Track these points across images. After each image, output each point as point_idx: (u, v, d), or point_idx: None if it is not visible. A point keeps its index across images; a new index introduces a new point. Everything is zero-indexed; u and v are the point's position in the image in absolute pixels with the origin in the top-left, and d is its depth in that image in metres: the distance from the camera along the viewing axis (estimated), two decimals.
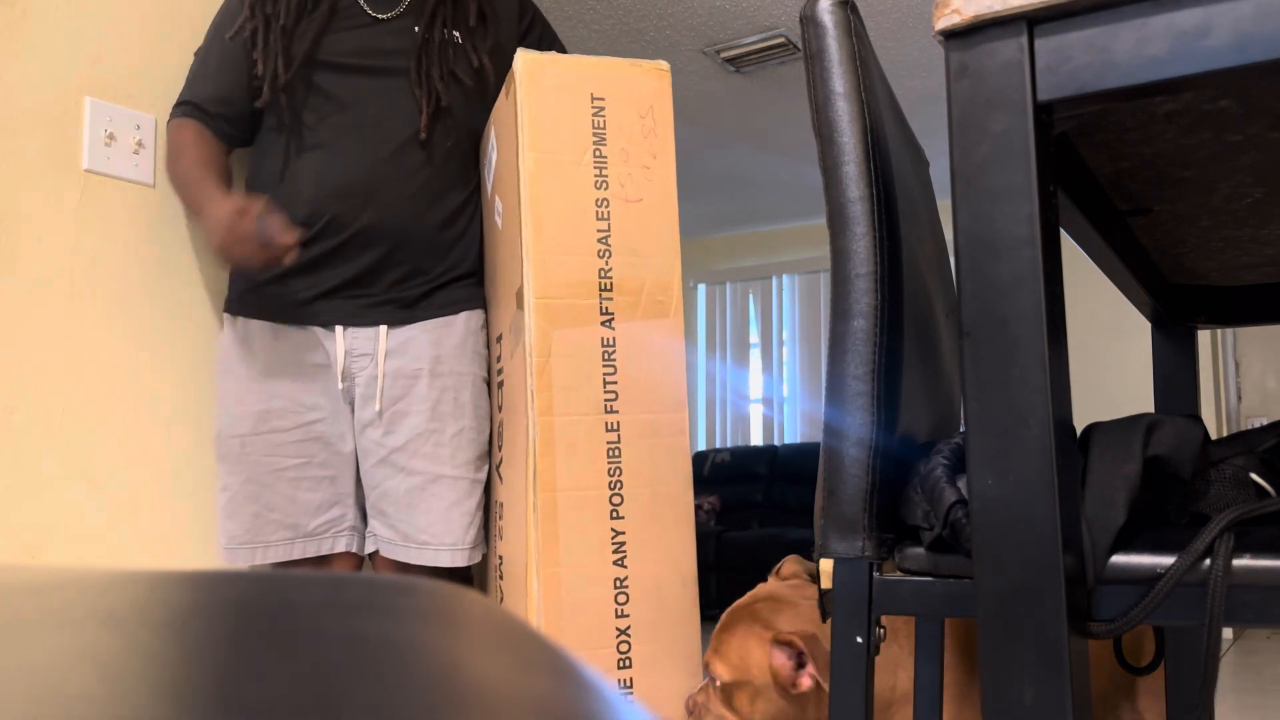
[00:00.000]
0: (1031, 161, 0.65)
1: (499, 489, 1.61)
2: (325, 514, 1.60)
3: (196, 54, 1.65)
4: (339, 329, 1.59)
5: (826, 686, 1.20)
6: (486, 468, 1.64)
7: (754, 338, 6.31)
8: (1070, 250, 3.16)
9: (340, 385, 1.59)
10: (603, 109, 1.49)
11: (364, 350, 1.59)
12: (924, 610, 0.90)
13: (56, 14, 1.55)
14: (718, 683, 1.32)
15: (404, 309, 1.61)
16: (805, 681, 1.24)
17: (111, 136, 1.59)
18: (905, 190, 0.94)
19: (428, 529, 1.57)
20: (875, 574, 0.79)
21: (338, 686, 0.16)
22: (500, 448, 1.62)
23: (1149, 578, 0.68)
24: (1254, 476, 0.77)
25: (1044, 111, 0.66)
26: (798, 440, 6.01)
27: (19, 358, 1.48)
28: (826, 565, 0.80)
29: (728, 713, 1.32)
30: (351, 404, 1.62)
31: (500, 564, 1.59)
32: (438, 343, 1.61)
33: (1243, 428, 4.54)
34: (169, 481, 1.63)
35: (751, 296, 6.32)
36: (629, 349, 1.47)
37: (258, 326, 1.60)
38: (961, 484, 0.75)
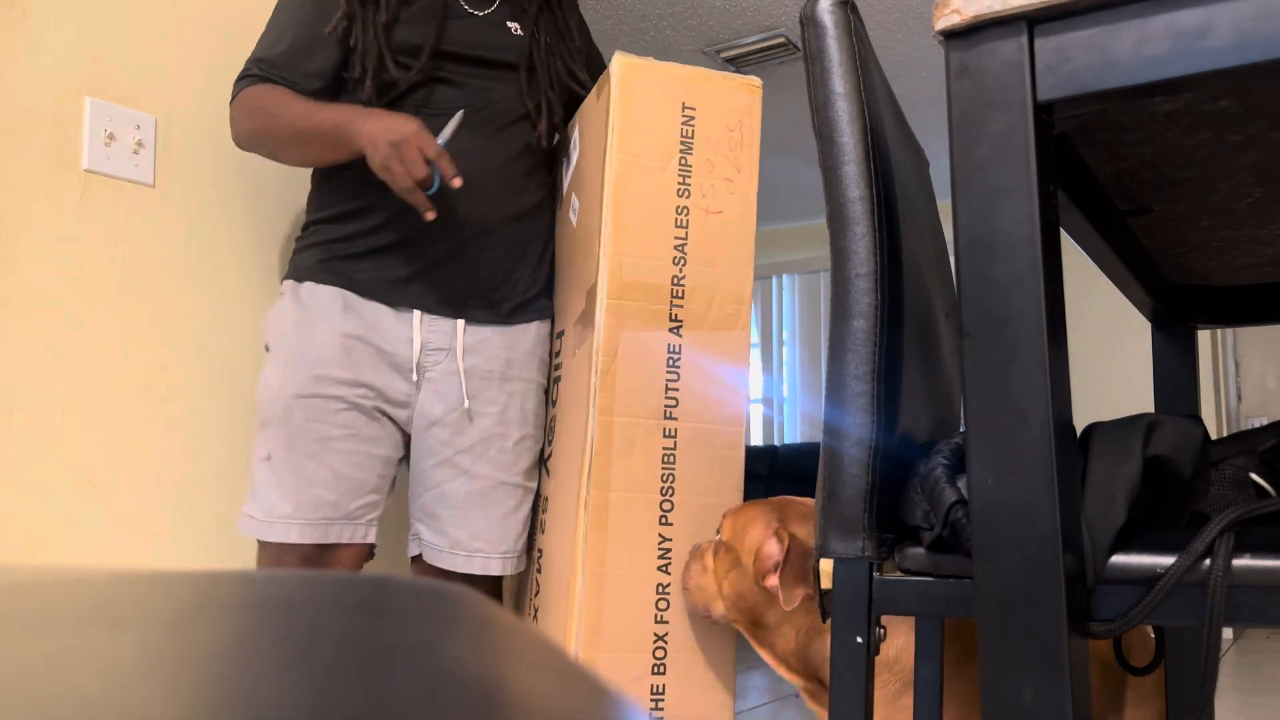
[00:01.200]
0: (1031, 161, 0.65)
1: (546, 483, 1.62)
2: (364, 496, 1.50)
3: (273, 30, 1.56)
4: (417, 315, 1.54)
5: (783, 597, 1.23)
6: (538, 477, 1.63)
7: (754, 338, 6.32)
8: (1070, 250, 3.16)
9: (415, 376, 1.53)
10: (693, 118, 1.50)
11: (439, 345, 1.55)
12: (924, 610, 0.90)
13: (56, 14, 1.55)
14: (717, 536, 1.37)
15: (485, 309, 1.58)
16: (774, 579, 1.26)
17: (111, 136, 1.59)
18: (905, 190, 0.94)
19: (483, 535, 1.54)
20: (875, 574, 0.79)
21: (339, 689, 0.16)
22: (550, 442, 1.63)
23: (1149, 578, 0.68)
24: (1254, 476, 0.77)
25: (1044, 111, 0.66)
26: (798, 440, 6.01)
27: (19, 358, 1.48)
28: (826, 565, 0.80)
29: (710, 564, 1.37)
30: (411, 398, 1.55)
31: (540, 556, 1.61)
32: (511, 346, 1.59)
33: (1243, 428, 4.54)
34: (169, 481, 1.63)
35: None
36: (694, 357, 1.48)
37: (327, 294, 1.52)
38: (961, 484, 0.75)
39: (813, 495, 0.83)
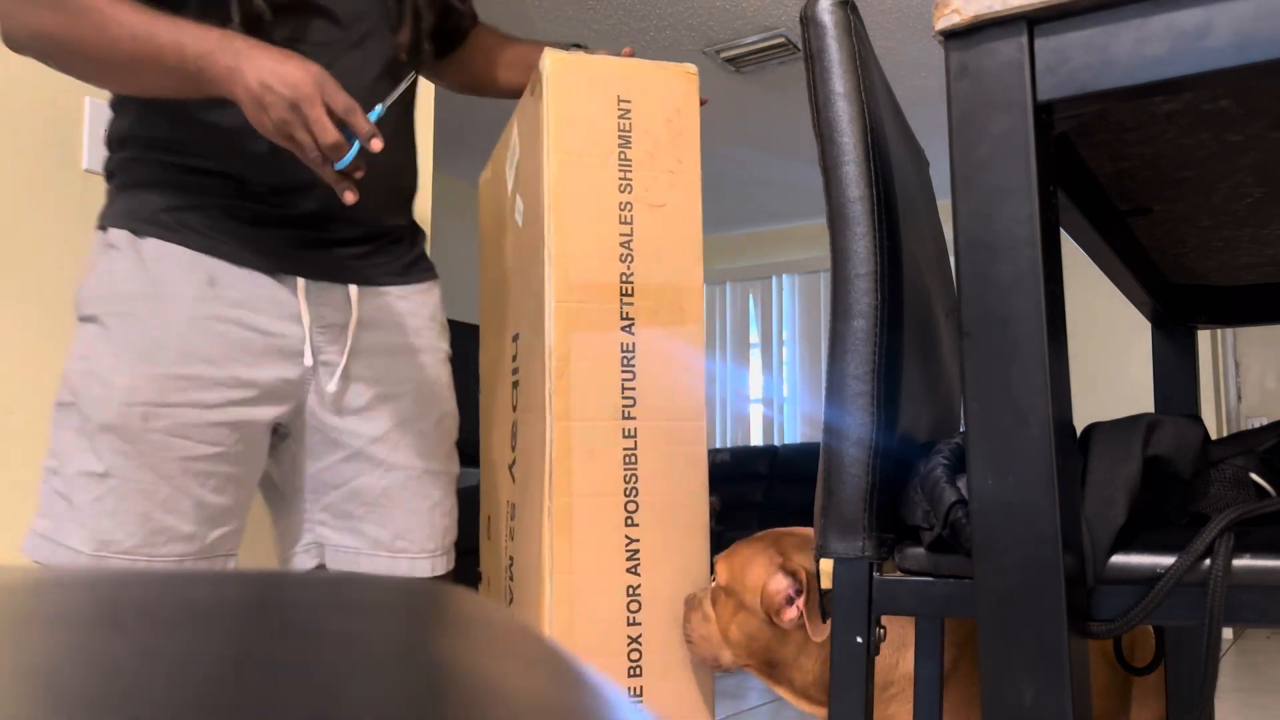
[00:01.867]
0: (1031, 161, 0.65)
1: (512, 489, 1.61)
2: (226, 525, 1.21)
3: None
4: (301, 284, 1.23)
5: (810, 630, 1.21)
6: (457, 458, 1.43)
7: (754, 338, 6.31)
8: (1070, 250, 3.15)
9: (309, 360, 1.23)
10: (629, 111, 1.46)
11: (333, 319, 1.26)
12: (924, 610, 0.90)
13: None
14: (714, 583, 1.34)
15: (377, 266, 1.30)
16: (790, 613, 1.24)
17: None
18: (905, 190, 0.94)
19: (407, 533, 1.33)
20: (875, 574, 0.79)
21: (337, 688, 0.16)
22: (514, 448, 1.61)
23: (1149, 578, 0.68)
24: (1254, 476, 0.77)
25: (1044, 111, 0.66)
26: (798, 440, 6.02)
27: (19, 358, 1.48)
28: (826, 565, 0.80)
29: (711, 612, 1.34)
30: (301, 388, 1.26)
31: (510, 565, 1.59)
32: (414, 313, 1.34)
33: (1243, 428, 4.54)
34: None
35: (751, 296, 6.32)
36: (648, 355, 1.45)
37: (182, 259, 1.18)
38: (961, 484, 0.75)
39: (812, 496, 0.83)
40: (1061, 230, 0.76)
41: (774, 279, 6.22)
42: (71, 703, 0.15)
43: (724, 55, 3.74)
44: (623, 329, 1.44)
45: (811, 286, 6.08)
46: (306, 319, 1.24)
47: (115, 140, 1.23)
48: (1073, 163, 0.90)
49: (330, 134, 1.04)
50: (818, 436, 5.83)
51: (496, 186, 1.81)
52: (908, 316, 0.86)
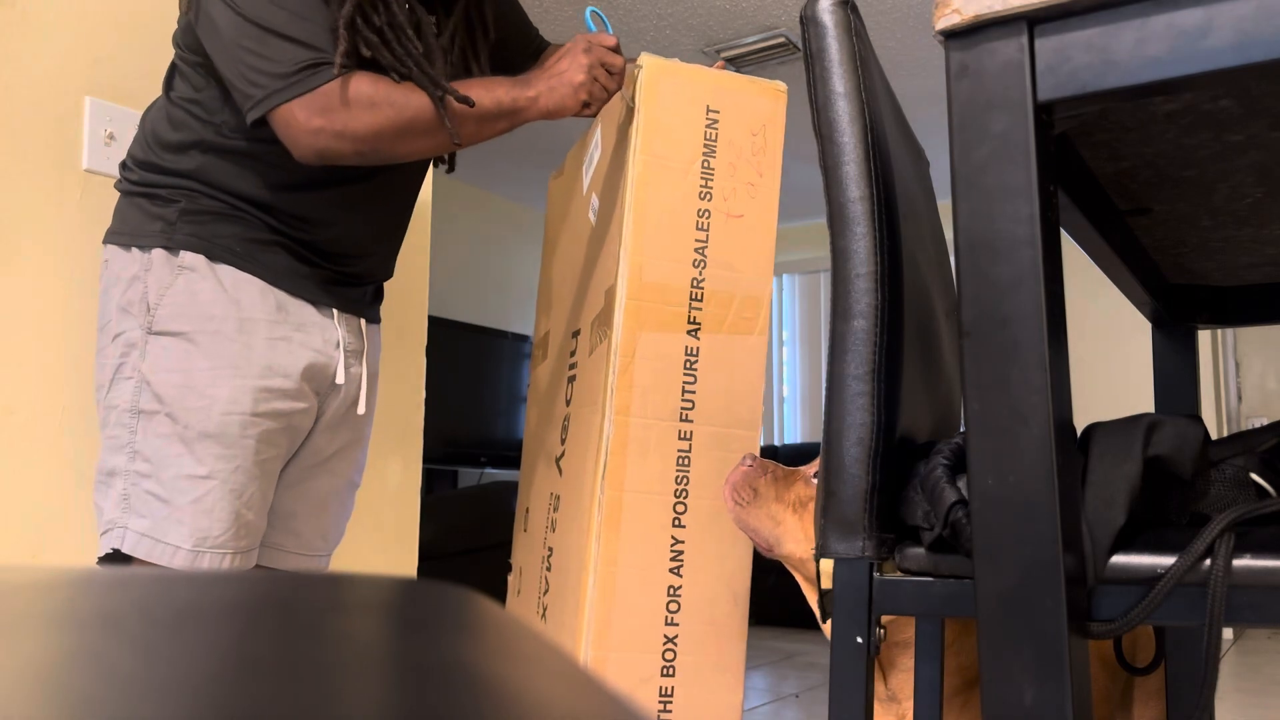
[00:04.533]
0: (1031, 161, 0.65)
1: (558, 482, 1.63)
2: (266, 516, 1.40)
3: (283, 34, 1.26)
4: (336, 315, 1.42)
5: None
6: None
7: None
8: (1070, 250, 3.15)
9: (339, 380, 1.42)
10: (717, 122, 1.51)
11: (354, 346, 1.45)
12: (924, 610, 0.90)
13: (56, 14, 1.55)
14: (749, 465, 1.21)
15: (373, 305, 1.52)
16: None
17: (111, 136, 1.59)
18: (905, 190, 0.94)
19: (327, 534, 1.50)
20: (875, 574, 0.79)
21: (338, 688, 0.16)
22: (564, 440, 1.63)
23: (1149, 578, 0.68)
24: (1254, 476, 0.77)
25: (1044, 111, 0.66)
26: (798, 440, 6.01)
27: (19, 358, 1.47)
28: (826, 565, 0.80)
29: (796, 508, 1.19)
30: (324, 404, 1.44)
31: (549, 555, 1.61)
32: (378, 346, 1.56)
33: (1243, 428, 4.53)
34: None
35: None
36: (711, 361, 1.48)
37: (254, 287, 1.34)
38: (961, 484, 0.75)
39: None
40: (1061, 230, 0.76)
41: (774, 279, 6.22)
42: (71, 703, 0.15)
43: (724, 55, 3.74)
44: (689, 332, 1.47)
45: (811, 286, 6.08)
46: (343, 345, 1.43)
47: (175, 171, 1.35)
48: (1073, 163, 0.90)
49: (614, 81, 1.42)
50: (818, 436, 5.82)
51: (568, 185, 1.86)
52: (908, 316, 0.86)
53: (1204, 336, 4.51)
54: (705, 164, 1.49)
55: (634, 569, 1.41)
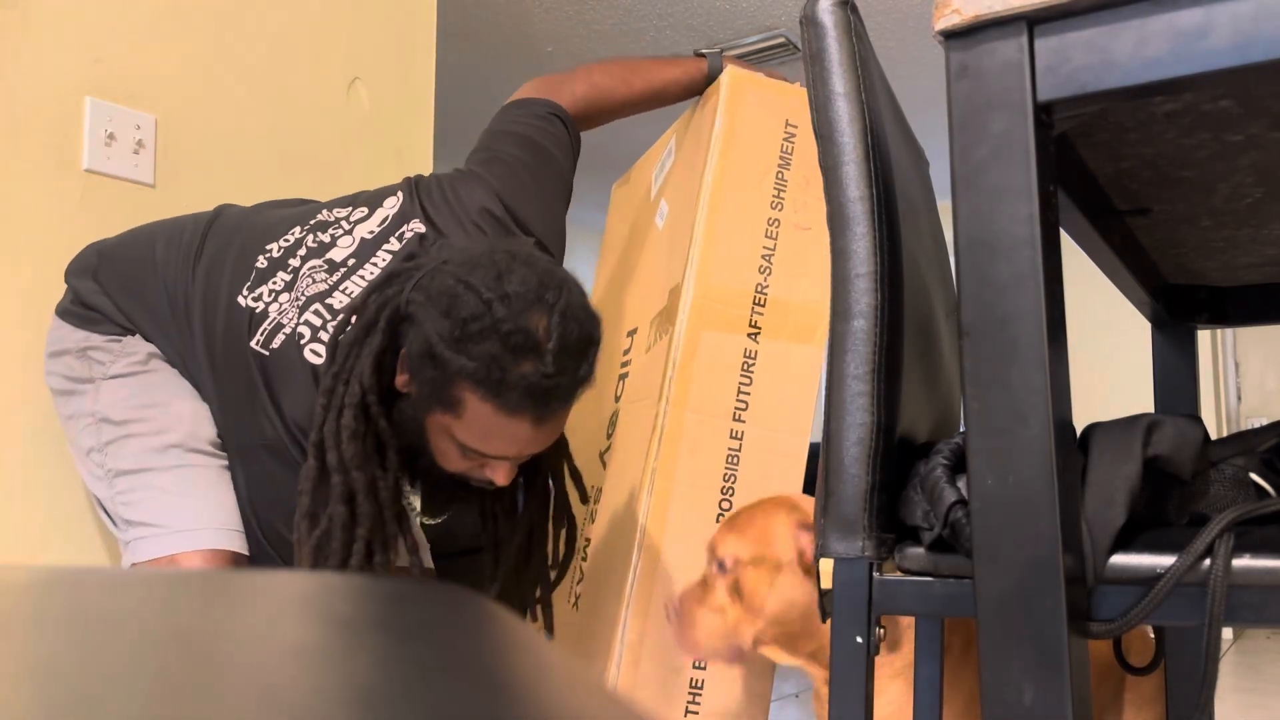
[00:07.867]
0: (1031, 161, 0.65)
1: (600, 475, 1.67)
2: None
3: None
4: None
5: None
6: None
7: None
8: (1070, 250, 3.14)
9: None
10: (794, 136, 1.55)
11: None
12: (924, 610, 0.90)
13: (56, 14, 1.55)
14: (726, 564, 1.21)
15: None
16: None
17: (111, 136, 1.59)
18: (905, 190, 0.94)
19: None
20: (875, 574, 0.79)
21: (339, 687, 0.16)
22: (610, 435, 1.67)
23: (1149, 578, 0.68)
24: (1254, 476, 0.77)
25: (1044, 112, 0.66)
26: None
27: (19, 358, 1.47)
28: (826, 565, 0.80)
29: (723, 599, 1.21)
30: None
31: (586, 545, 1.64)
32: None
33: (1243, 428, 4.53)
34: None
35: None
36: (768, 365, 1.52)
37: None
38: (961, 484, 0.75)
39: (811, 495, 0.83)
40: (1061, 230, 0.76)
41: None
42: (71, 703, 0.15)
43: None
44: (749, 335, 1.51)
45: None
46: None
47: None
48: (1073, 163, 0.90)
49: None
50: (818, 436, 5.82)
51: (634, 192, 1.92)
52: (908, 316, 0.86)
53: (1204, 336, 4.51)
54: (779, 175, 1.54)
55: (676, 561, 1.43)
